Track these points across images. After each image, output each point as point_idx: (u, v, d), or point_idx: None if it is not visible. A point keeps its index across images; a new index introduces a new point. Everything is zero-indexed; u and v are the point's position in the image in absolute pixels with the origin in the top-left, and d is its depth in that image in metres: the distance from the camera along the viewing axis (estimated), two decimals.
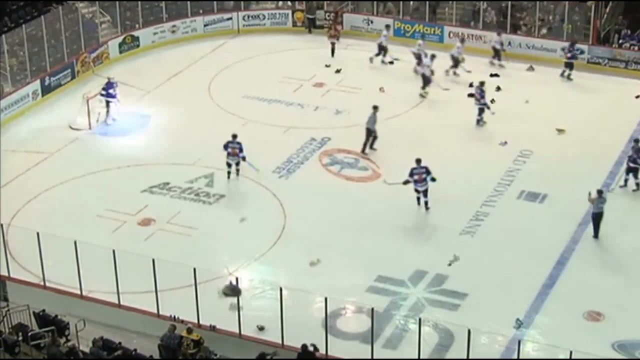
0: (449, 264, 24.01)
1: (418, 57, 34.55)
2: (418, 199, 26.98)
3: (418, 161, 26.75)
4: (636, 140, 27.56)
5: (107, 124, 31.86)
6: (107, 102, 31.94)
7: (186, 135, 31.15)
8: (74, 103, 32.77)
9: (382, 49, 35.84)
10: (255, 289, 23.50)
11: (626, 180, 27.45)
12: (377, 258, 24.65)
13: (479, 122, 31.20)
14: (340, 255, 24.78)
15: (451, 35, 37.12)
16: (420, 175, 26.64)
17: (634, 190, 27.35)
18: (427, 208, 26.88)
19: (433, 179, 26.66)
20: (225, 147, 28.36)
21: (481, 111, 31.12)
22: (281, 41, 38.59)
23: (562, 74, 34.48)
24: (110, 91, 31.92)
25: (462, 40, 35.38)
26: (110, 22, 37.71)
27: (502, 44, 35.38)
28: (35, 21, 34.60)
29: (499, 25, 37.23)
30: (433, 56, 33.90)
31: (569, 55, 34.47)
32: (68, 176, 28.79)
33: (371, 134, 29.61)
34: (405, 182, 26.83)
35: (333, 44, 37.05)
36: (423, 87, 33.34)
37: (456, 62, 34.70)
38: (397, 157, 29.29)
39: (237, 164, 28.44)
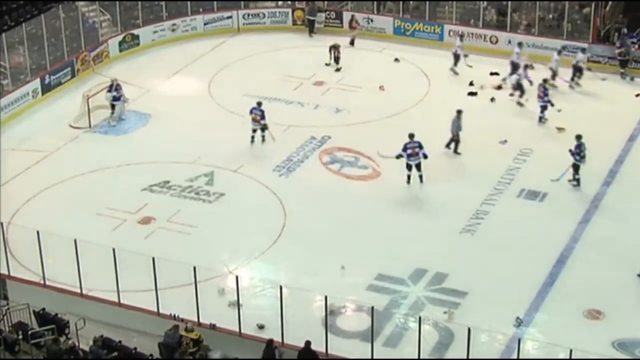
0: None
1: (514, 66, 33.73)
2: (408, 177, 27.64)
3: (411, 136, 27.72)
4: (578, 137, 27.71)
5: (110, 124, 31.80)
6: (112, 104, 31.88)
7: (186, 134, 31.15)
8: (74, 102, 32.79)
9: (457, 58, 34.93)
10: (255, 288, 23.50)
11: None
12: (377, 256, 24.65)
13: (541, 119, 31.27)
14: (340, 253, 24.77)
15: (451, 33, 37.11)
16: (413, 149, 27.52)
17: (570, 181, 27.64)
18: (421, 181, 27.75)
19: (425, 156, 27.58)
20: (250, 112, 29.89)
21: (544, 109, 31.18)
22: (281, 40, 38.58)
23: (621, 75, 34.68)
24: (114, 94, 31.86)
25: (520, 45, 34.52)
26: (110, 20, 37.70)
27: (584, 63, 34.27)
28: (35, 20, 34.61)
29: (499, 23, 37.30)
30: (527, 66, 33.59)
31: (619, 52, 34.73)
32: (68, 175, 28.81)
33: (454, 138, 29.39)
34: (398, 156, 27.61)
35: (336, 54, 35.96)
36: (521, 95, 32.77)
37: (515, 68, 33.80)
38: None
39: (262, 130, 29.82)
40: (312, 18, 39.03)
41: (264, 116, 29.87)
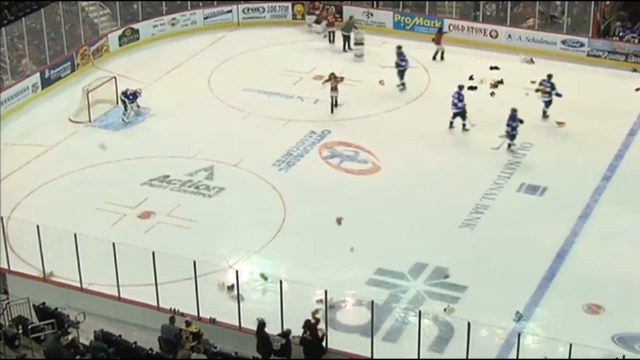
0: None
1: None
2: (450, 122, 30.02)
3: (460, 87, 30.23)
4: (399, 46, 32.04)
5: (124, 121, 31.65)
6: (124, 102, 31.70)
7: (186, 128, 31.14)
8: (74, 96, 32.77)
9: None
10: (255, 282, 23.52)
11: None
12: (377, 251, 24.66)
13: None
14: (340, 248, 24.78)
15: (451, 27, 37.08)
16: (452, 99, 29.82)
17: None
18: (462, 129, 30.08)
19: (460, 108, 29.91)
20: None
21: None
22: (281, 34, 38.55)
23: None
24: (129, 95, 31.69)
25: None
26: (110, 14, 37.67)
27: None
28: (35, 14, 34.56)
29: (499, 18, 37.31)
30: None
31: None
32: (68, 169, 28.80)
33: None
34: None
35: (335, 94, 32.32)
36: None
37: None
38: (397, 150, 29.35)
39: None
40: (346, 34, 37.16)
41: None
